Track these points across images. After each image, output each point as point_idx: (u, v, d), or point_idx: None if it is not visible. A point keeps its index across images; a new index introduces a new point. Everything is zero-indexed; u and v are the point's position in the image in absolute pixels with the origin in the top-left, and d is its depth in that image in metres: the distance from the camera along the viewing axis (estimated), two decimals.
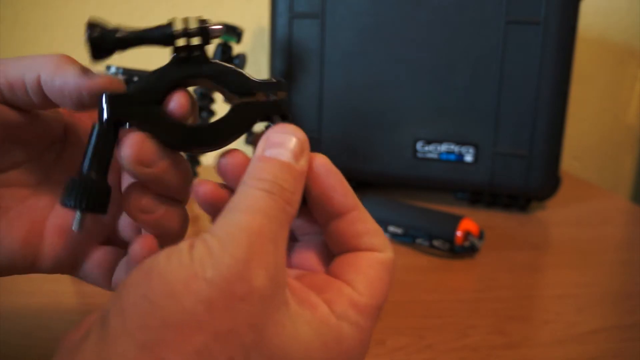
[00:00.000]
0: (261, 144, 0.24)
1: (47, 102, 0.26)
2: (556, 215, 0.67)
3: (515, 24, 0.61)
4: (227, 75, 0.26)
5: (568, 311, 0.43)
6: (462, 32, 0.63)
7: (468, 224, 0.52)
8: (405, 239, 0.55)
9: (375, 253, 0.25)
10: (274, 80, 0.26)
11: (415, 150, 0.67)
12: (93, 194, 0.24)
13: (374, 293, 0.24)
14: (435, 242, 0.53)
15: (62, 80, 0.25)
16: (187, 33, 0.26)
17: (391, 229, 0.55)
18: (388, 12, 0.65)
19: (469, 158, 0.65)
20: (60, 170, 0.29)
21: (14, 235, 0.27)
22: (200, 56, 0.26)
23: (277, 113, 0.26)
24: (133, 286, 0.19)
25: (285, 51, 0.69)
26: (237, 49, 0.67)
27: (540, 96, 0.62)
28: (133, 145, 0.24)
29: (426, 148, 0.66)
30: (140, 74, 0.49)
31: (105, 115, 0.24)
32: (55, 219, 0.28)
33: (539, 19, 0.61)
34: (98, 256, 0.29)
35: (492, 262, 0.52)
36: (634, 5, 0.95)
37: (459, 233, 0.52)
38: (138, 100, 0.25)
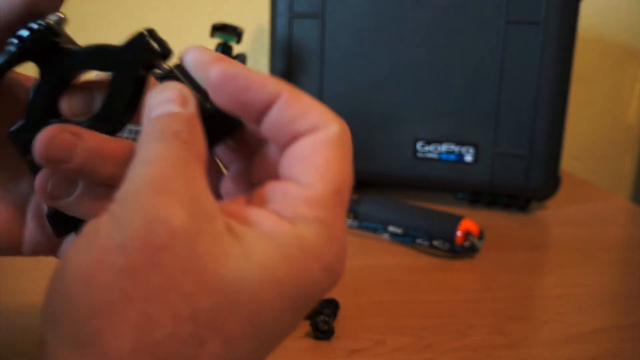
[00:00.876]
0: (144, 113, 0.22)
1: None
2: (556, 215, 0.67)
3: (515, 24, 0.61)
4: (89, 56, 0.24)
5: (568, 311, 0.43)
6: (462, 32, 0.63)
7: (468, 224, 0.52)
8: (405, 239, 0.55)
9: (315, 133, 0.21)
10: (138, 34, 0.23)
11: (415, 150, 0.67)
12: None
13: (325, 178, 0.20)
14: (435, 242, 0.53)
15: None
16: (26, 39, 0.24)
17: (391, 229, 0.55)
18: (388, 12, 0.65)
19: (469, 158, 0.65)
20: None
21: (10, 225, 0.27)
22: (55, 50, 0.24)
23: (149, 57, 0.23)
24: (52, 291, 0.18)
25: (285, 51, 0.69)
26: (237, 49, 0.67)
27: (540, 96, 0.62)
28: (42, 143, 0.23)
29: (426, 148, 0.66)
30: None
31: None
32: (35, 204, 0.28)
33: (539, 19, 0.61)
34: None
35: (492, 262, 0.52)
36: (634, 5, 0.95)
37: (459, 233, 0.52)
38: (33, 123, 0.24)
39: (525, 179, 0.64)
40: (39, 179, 0.24)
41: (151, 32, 0.23)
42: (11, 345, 0.34)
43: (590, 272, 0.51)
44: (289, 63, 0.69)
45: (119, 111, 0.24)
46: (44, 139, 0.22)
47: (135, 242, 0.17)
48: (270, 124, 0.22)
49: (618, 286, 0.49)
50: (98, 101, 0.25)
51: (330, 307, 0.39)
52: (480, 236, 0.53)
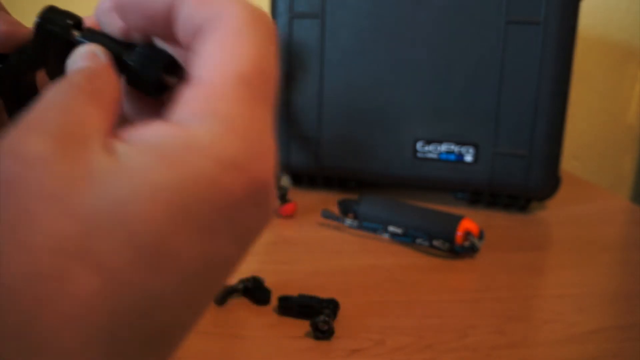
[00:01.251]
0: None
1: None
2: (556, 215, 0.67)
3: (515, 24, 0.61)
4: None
5: (568, 311, 0.43)
6: (462, 32, 0.63)
7: (468, 224, 0.52)
8: (405, 239, 0.55)
9: (212, 23, 0.18)
10: (35, 27, 0.23)
11: (415, 150, 0.67)
12: None
13: (222, 67, 0.17)
14: (435, 242, 0.53)
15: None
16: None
17: (391, 229, 0.55)
18: (388, 12, 0.65)
19: (469, 158, 0.65)
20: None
21: None
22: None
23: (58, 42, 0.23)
24: None
25: (285, 51, 0.69)
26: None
27: (540, 96, 0.62)
28: None
29: (426, 148, 0.66)
30: None
31: None
32: None
33: (539, 19, 0.61)
34: None
35: (492, 262, 0.52)
36: (634, 5, 0.95)
37: (459, 233, 0.52)
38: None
39: (525, 179, 0.64)
40: None
41: (48, 14, 0.23)
42: None
43: (590, 272, 0.51)
44: (289, 63, 0.69)
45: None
46: None
47: None
48: (180, 32, 0.19)
49: (618, 286, 0.49)
50: None
51: (330, 307, 0.39)
52: (480, 236, 0.53)
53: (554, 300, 0.46)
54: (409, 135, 0.67)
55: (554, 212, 0.68)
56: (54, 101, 0.17)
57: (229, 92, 0.17)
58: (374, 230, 0.57)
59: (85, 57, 0.20)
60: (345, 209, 0.60)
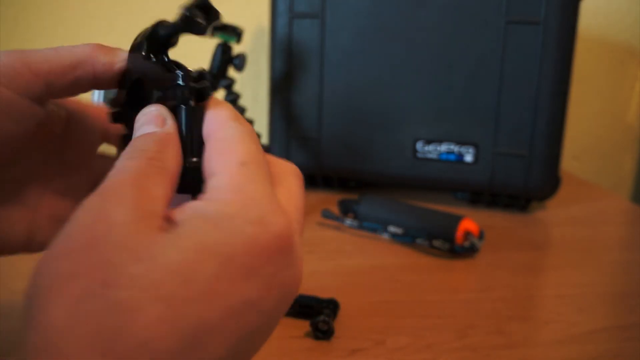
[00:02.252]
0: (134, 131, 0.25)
1: (83, 89, 0.28)
2: (556, 215, 0.67)
3: (515, 24, 0.61)
4: (153, 75, 0.26)
5: (568, 311, 0.43)
6: (462, 32, 0.63)
7: (468, 224, 0.52)
8: (405, 239, 0.55)
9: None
10: (183, 72, 0.25)
11: (415, 150, 0.67)
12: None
13: (222, 162, 0.23)
14: (435, 242, 0.53)
15: (111, 61, 0.27)
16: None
17: (391, 229, 0.55)
18: (388, 12, 0.65)
19: (469, 158, 0.65)
20: (54, 158, 0.30)
21: (19, 223, 0.29)
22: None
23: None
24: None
25: (285, 51, 0.69)
26: (237, 49, 0.67)
27: (540, 96, 0.62)
28: None
29: (426, 148, 0.66)
30: None
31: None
32: (48, 208, 0.30)
33: (539, 19, 0.61)
34: None
35: (492, 262, 0.52)
36: (634, 5, 0.95)
37: (459, 233, 0.52)
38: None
39: (525, 179, 0.64)
40: None
41: (187, 77, 0.25)
42: (11, 345, 0.34)
43: (590, 272, 0.51)
44: (289, 63, 0.69)
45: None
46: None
47: (77, 232, 0.19)
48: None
49: (618, 286, 0.49)
50: None
51: (330, 307, 0.39)
52: (480, 236, 0.53)
53: (554, 300, 0.46)
54: (409, 135, 0.67)
55: (554, 212, 0.68)
56: (129, 173, 0.21)
57: (236, 175, 0.22)
58: (374, 230, 0.57)
59: (155, 120, 0.24)
60: (345, 209, 0.60)
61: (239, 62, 0.64)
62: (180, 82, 0.24)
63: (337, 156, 0.70)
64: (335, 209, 0.62)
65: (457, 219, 0.53)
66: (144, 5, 0.86)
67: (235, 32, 0.65)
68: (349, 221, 0.58)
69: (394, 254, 0.53)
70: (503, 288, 0.47)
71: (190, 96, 0.24)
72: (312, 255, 0.53)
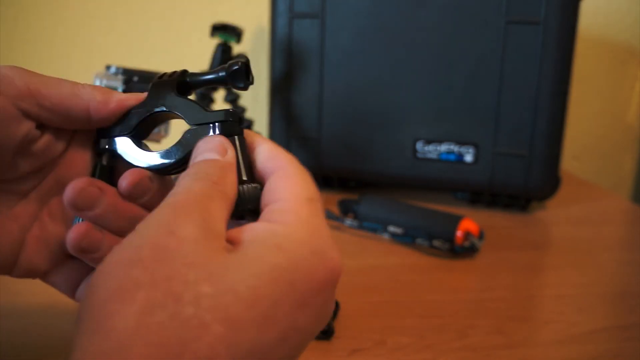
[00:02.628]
0: (192, 155, 0.27)
1: (77, 123, 0.29)
2: (556, 215, 0.67)
3: (515, 24, 0.61)
4: (187, 108, 0.28)
5: (568, 311, 0.43)
6: (462, 32, 0.63)
7: (468, 224, 0.52)
8: (405, 239, 0.55)
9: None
10: (226, 109, 0.28)
11: (415, 150, 0.67)
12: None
13: (295, 193, 0.25)
14: (435, 242, 0.53)
15: (104, 110, 0.29)
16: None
17: (391, 229, 0.55)
18: (388, 12, 0.65)
19: (469, 158, 0.65)
20: (48, 181, 0.30)
21: (8, 240, 0.28)
22: (172, 85, 0.29)
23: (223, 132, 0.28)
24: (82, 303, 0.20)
25: (285, 51, 0.69)
26: (237, 49, 0.67)
27: (540, 96, 0.62)
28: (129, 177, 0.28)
29: (426, 148, 0.66)
30: (140, 73, 0.49)
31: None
32: (38, 230, 0.29)
33: (539, 19, 0.61)
34: (67, 269, 0.30)
35: (492, 262, 0.52)
36: (634, 5, 0.95)
37: (459, 233, 0.52)
38: (118, 133, 0.29)
39: (525, 179, 0.64)
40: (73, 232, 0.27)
41: (234, 114, 0.28)
42: (11, 345, 0.34)
43: (590, 272, 0.51)
44: (289, 63, 0.69)
45: (187, 163, 0.28)
46: (74, 188, 0.27)
47: (147, 243, 0.20)
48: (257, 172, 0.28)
49: (618, 286, 0.49)
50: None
51: None
52: (480, 236, 0.53)
53: (554, 300, 0.46)
54: (409, 135, 0.67)
55: (554, 212, 0.68)
56: (197, 193, 0.23)
57: (304, 207, 0.24)
58: (374, 230, 0.57)
59: (218, 149, 0.26)
60: (345, 209, 0.60)
61: None
62: (229, 118, 0.27)
63: (337, 156, 0.70)
64: (335, 209, 0.62)
65: (457, 219, 0.53)
66: (144, 5, 0.86)
67: (235, 32, 0.65)
68: (349, 221, 0.58)
69: (394, 254, 0.53)
70: (503, 288, 0.47)
71: (240, 129, 0.28)
72: None
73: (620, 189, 1.03)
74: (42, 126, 0.28)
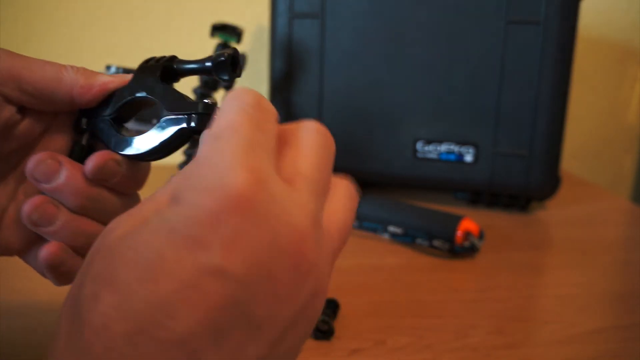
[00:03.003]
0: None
1: (59, 106, 0.28)
2: (556, 215, 0.67)
3: (515, 24, 0.61)
4: (167, 95, 0.28)
5: (568, 311, 0.43)
6: (462, 32, 0.63)
7: (468, 224, 0.52)
8: (405, 239, 0.55)
9: None
10: (204, 101, 0.27)
11: (415, 150, 0.67)
12: None
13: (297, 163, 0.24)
14: (435, 242, 0.53)
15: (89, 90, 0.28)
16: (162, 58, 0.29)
17: (391, 229, 0.55)
18: (388, 12, 0.65)
19: (469, 158, 0.65)
20: (26, 161, 0.29)
21: None
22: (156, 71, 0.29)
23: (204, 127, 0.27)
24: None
25: (285, 51, 0.69)
26: (237, 49, 0.67)
27: (540, 96, 0.62)
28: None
29: (426, 148, 0.66)
30: None
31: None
32: (13, 211, 0.29)
33: (539, 19, 0.61)
34: (46, 249, 0.29)
35: (492, 262, 0.52)
36: (633, 5, 0.95)
37: (459, 233, 0.52)
38: (100, 115, 0.29)
39: (525, 179, 0.64)
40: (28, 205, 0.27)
41: (212, 107, 0.27)
42: (11, 345, 0.34)
43: (590, 272, 0.51)
44: (289, 63, 0.69)
45: (161, 152, 0.28)
46: (35, 160, 0.27)
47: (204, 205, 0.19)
48: None
49: (618, 286, 0.49)
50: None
51: (330, 307, 0.39)
52: (480, 236, 0.53)
53: (554, 300, 0.46)
54: (409, 135, 0.67)
55: (554, 212, 0.68)
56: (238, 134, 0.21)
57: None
58: (374, 230, 0.57)
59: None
60: None
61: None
62: (206, 110, 0.26)
63: (337, 156, 0.69)
64: None
65: (457, 219, 0.53)
66: (144, 5, 0.86)
67: (235, 32, 0.65)
68: None
69: (394, 254, 0.53)
70: (503, 288, 0.47)
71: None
72: None
73: (620, 189, 1.03)
74: (23, 109, 0.28)
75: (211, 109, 0.26)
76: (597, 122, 1.00)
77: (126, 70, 0.49)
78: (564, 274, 0.51)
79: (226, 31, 0.65)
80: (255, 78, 0.89)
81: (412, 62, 0.65)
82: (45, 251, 0.27)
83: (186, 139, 0.27)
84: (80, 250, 0.28)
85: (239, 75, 0.28)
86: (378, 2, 0.65)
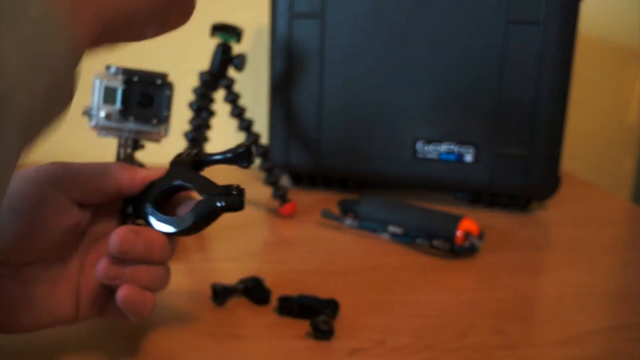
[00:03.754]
0: None
1: (110, 198, 0.34)
2: (556, 215, 0.67)
3: (515, 24, 0.61)
4: (200, 182, 0.34)
5: (568, 311, 0.43)
6: (462, 32, 0.63)
7: (468, 224, 0.52)
8: (405, 239, 0.55)
9: None
10: (231, 185, 0.33)
11: (415, 150, 0.67)
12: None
13: None
14: (435, 242, 0.53)
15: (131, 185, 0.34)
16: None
17: (391, 229, 0.55)
18: (388, 11, 0.65)
19: (468, 158, 0.65)
20: (86, 240, 0.35)
21: (67, 298, 0.33)
22: (188, 163, 0.35)
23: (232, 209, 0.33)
24: None
25: (285, 51, 0.69)
26: (237, 49, 0.67)
27: (540, 96, 0.62)
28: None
29: (426, 148, 0.66)
30: (140, 73, 0.49)
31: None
32: (85, 283, 0.34)
33: (539, 19, 0.61)
34: (121, 292, 0.33)
35: (492, 262, 0.52)
36: (634, 6, 0.95)
37: (459, 233, 0.52)
38: (142, 201, 0.35)
39: (525, 179, 0.64)
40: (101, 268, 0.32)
41: (238, 189, 0.33)
42: (11, 344, 0.34)
43: (590, 272, 0.51)
44: (289, 63, 0.69)
45: (197, 228, 0.34)
46: (118, 238, 0.31)
47: None
48: None
49: (618, 286, 0.49)
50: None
51: (330, 307, 0.39)
52: (480, 236, 0.53)
53: (554, 300, 0.46)
54: (409, 135, 0.67)
55: (554, 212, 0.68)
56: None
57: None
58: (374, 230, 0.57)
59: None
60: (345, 209, 0.60)
61: (239, 62, 0.64)
62: (232, 192, 0.33)
63: (337, 156, 0.70)
64: (335, 209, 0.62)
65: (457, 219, 0.53)
66: None
67: (235, 32, 0.65)
68: (349, 221, 0.58)
69: (394, 254, 0.53)
70: (503, 288, 0.47)
71: (242, 201, 0.33)
72: (312, 255, 0.53)
73: (620, 189, 1.03)
74: (83, 206, 0.33)
75: (238, 190, 0.33)
76: (598, 122, 1.00)
77: (126, 71, 0.49)
78: (564, 274, 0.51)
79: (226, 31, 0.65)
80: (255, 78, 0.89)
81: (412, 62, 0.65)
82: (121, 294, 0.31)
83: (217, 216, 0.33)
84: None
85: (253, 162, 0.35)
86: (378, 2, 0.65)
